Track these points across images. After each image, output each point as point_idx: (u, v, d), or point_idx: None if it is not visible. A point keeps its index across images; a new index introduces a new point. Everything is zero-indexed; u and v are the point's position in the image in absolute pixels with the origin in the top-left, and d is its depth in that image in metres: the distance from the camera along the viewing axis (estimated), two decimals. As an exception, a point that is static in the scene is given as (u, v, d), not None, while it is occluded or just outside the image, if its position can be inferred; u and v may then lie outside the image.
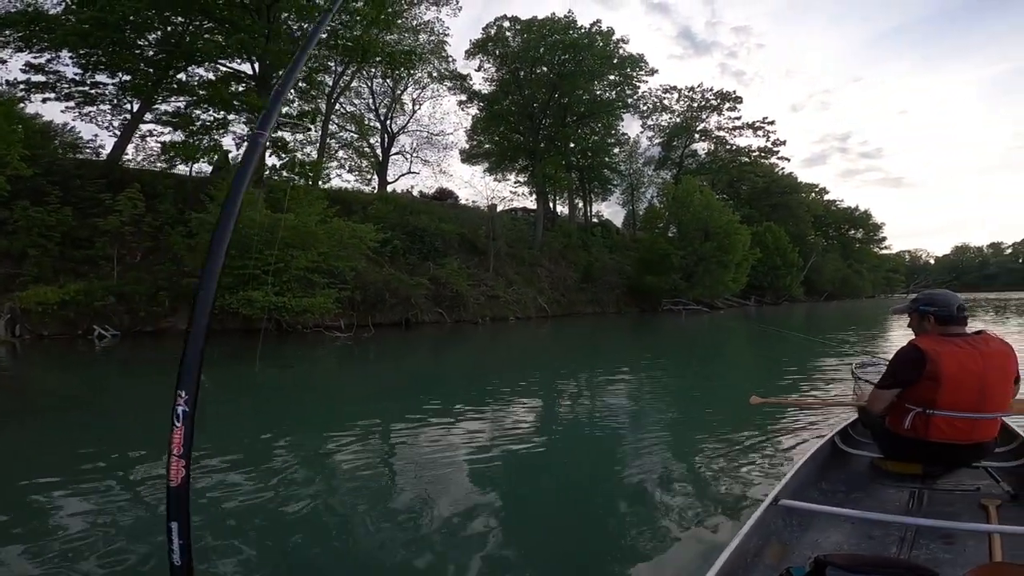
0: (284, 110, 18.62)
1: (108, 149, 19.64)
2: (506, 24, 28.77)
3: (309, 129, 21.50)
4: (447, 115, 46.89)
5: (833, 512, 2.17)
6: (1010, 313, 24.73)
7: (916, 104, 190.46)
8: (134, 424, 5.73)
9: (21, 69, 17.58)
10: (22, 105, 17.70)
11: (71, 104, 18.46)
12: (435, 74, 29.83)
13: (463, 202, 32.46)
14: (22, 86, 17.48)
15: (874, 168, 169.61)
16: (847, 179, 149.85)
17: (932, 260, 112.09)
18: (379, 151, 30.65)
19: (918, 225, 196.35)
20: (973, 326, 2.66)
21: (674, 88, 41.77)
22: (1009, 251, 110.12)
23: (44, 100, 18.05)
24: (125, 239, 15.11)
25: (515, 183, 33.78)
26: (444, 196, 32.47)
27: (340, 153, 30.45)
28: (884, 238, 63.81)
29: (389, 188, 30.01)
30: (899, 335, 13.79)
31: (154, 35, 18.06)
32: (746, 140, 44.99)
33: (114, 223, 14.50)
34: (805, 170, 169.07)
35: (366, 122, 30.22)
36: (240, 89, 17.90)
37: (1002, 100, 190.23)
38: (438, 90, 31.39)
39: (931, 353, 2.44)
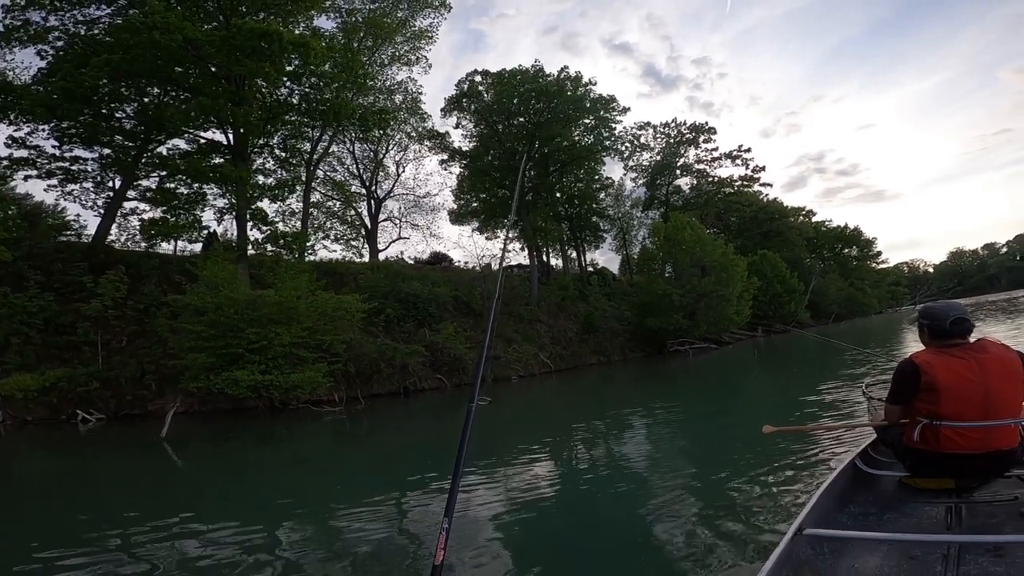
0: (261, 180, 18.63)
1: (92, 229, 18.94)
2: (478, 78, 29.36)
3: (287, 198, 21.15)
4: (431, 176, 47.62)
5: (867, 537, 2.14)
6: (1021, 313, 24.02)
7: (877, 116, 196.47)
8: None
9: (4, 144, 16.81)
10: (12, 184, 17.41)
11: (53, 182, 17.65)
12: (413, 134, 30.35)
13: (457, 263, 32.42)
14: (5, 162, 16.60)
15: (853, 184, 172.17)
16: (829, 199, 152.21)
17: (931, 269, 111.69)
18: (367, 219, 30.78)
19: (909, 236, 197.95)
20: (986, 331, 2.33)
21: (648, 124, 42.87)
22: (1004, 250, 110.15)
23: (26, 178, 17.32)
24: (109, 323, 14.84)
25: (506, 239, 33.82)
26: (438, 260, 32.43)
27: (327, 223, 30.63)
28: (879, 252, 63.40)
29: (381, 256, 29.97)
30: (915, 348, 13.25)
31: (131, 107, 17.73)
32: (726, 171, 45.77)
33: (96, 307, 14.28)
34: (787, 194, 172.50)
35: (351, 189, 30.52)
36: (219, 161, 17.65)
37: (943, 109, 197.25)
38: (419, 151, 31.86)
39: (924, 365, 2.50)
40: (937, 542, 2.13)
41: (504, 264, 3.33)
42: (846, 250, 59.73)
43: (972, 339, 2.59)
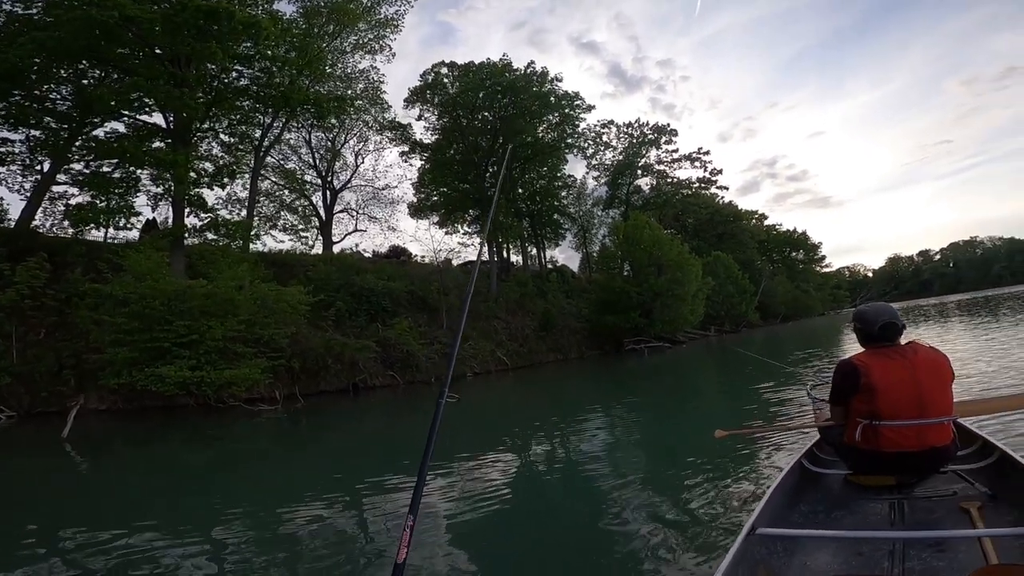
0: (203, 165, 17.54)
1: (15, 213, 17.55)
2: (444, 70, 28.70)
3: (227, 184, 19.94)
4: (390, 168, 46.43)
5: (817, 535, 2.22)
6: (951, 317, 25.43)
7: (827, 124, 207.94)
8: None
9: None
10: None
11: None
12: (374, 124, 29.43)
13: (416, 257, 31.70)
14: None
15: (802, 190, 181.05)
16: (779, 203, 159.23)
17: (870, 274, 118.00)
18: (322, 209, 29.64)
19: (851, 242, 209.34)
20: (920, 334, 2.25)
21: (611, 122, 43.14)
22: (938, 257, 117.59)
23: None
24: (25, 314, 13.59)
25: (464, 233, 33.37)
26: (397, 254, 31.66)
27: (278, 213, 29.31)
28: (823, 257, 66.65)
29: (336, 248, 28.92)
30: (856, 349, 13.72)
31: (67, 88, 16.59)
32: (685, 172, 46.84)
33: (11, 297, 13.04)
34: (741, 198, 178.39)
35: (307, 179, 29.33)
36: (159, 145, 16.65)
37: (889, 119, 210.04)
38: (380, 142, 30.92)
39: (862, 367, 2.58)
40: (882, 539, 2.20)
41: (474, 259, 3.03)
42: (793, 253, 62.27)
43: (903, 341, 2.69)
